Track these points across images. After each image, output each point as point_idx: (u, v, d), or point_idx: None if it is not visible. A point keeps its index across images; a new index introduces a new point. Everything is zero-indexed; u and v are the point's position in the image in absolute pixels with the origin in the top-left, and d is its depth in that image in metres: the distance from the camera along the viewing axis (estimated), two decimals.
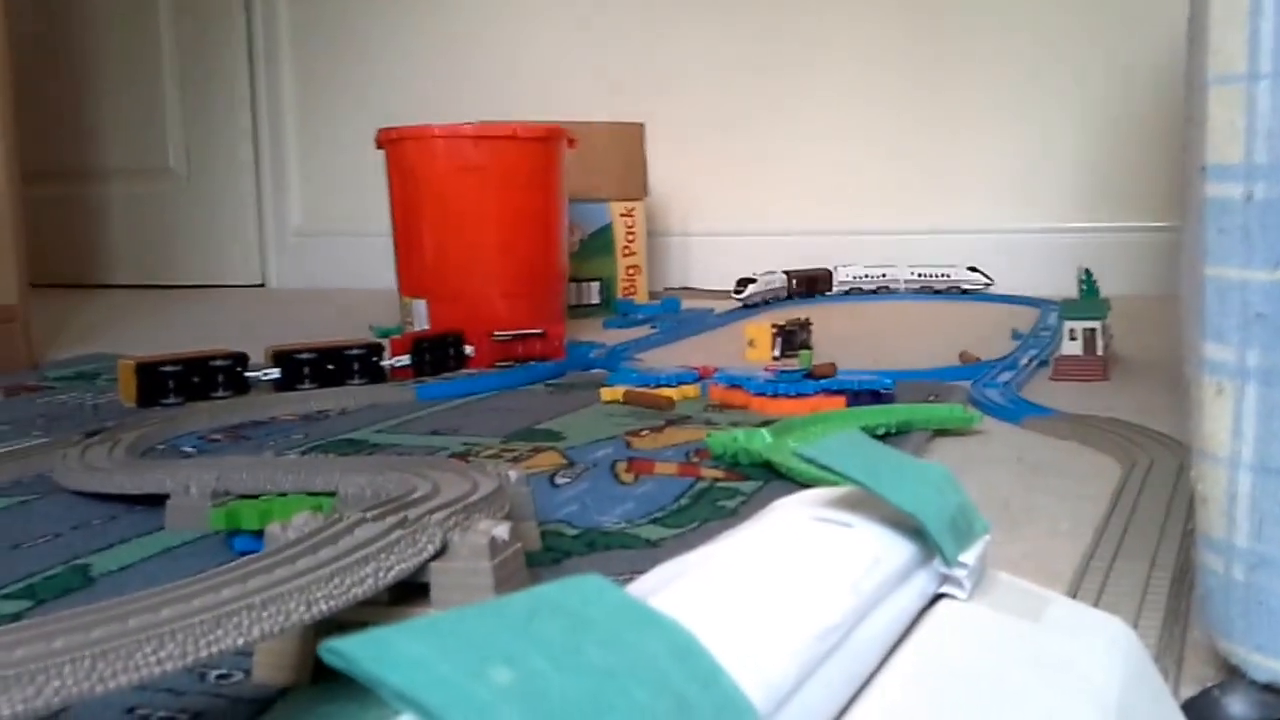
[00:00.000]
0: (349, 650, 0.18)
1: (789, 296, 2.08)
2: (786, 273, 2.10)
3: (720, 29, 2.41)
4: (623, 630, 0.21)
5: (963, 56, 2.26)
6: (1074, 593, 0.59)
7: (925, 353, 1.46)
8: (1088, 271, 1.29)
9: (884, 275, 2.16)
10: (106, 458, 0.89)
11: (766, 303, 2.01)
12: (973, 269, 2.16)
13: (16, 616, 0.60)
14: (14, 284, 1.54)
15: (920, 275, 2.16)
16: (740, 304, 1.98)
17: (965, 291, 2.14)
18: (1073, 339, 1.25)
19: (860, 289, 2.15)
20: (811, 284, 2.12)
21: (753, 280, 2.00)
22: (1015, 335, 1.56)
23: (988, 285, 2.15)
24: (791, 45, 2.37)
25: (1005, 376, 1.22)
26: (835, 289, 2.16)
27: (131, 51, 2.87)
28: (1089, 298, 1.27)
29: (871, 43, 2.32)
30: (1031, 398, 1.11)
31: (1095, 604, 0.57)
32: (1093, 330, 1.24)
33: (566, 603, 0.21)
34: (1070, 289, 1.38)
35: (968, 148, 2.28)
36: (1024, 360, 1.32)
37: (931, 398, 1.12)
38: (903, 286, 2.15)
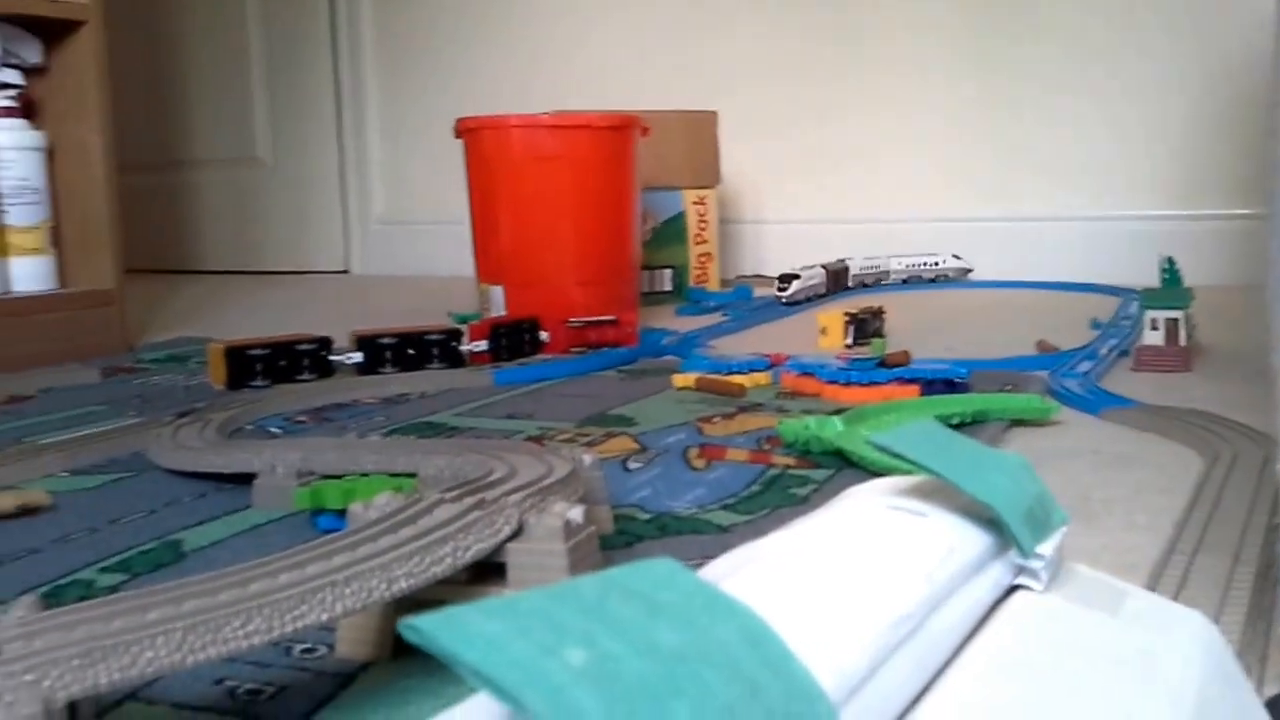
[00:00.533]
0: (427, 627, 0.18)
1: (826, 293, 1.98)
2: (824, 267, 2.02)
3: (794, 15, 2.39)
4: (695, 614, 0.21)
5: (1039, 41, 2.22)
6: (1154, 587, 0.58)
7: (1001, 341, 1.44)
8: (1170, 260, 1.26)
9: (876, 267, 2.11)
10: (197, 437, 0.91)
11: (809, 299, 1.91)
12: (956, 256, 2.15)
13: (113, 589, 0.61)
14: (111, 270, 1.58)
15: (909, 266, 2.13)
16: (783, 302, 1.88)
17: (950, 279, 2.13)
18: (1154, 329, 1.22)
19: (864, 283, 2.09)
20: (836, 278, 2.02)
21: (796, 276, 1.89)
22: (1095, 324, 1.53)
23: (967, 272, 2.16)
24: (865, 31, 2.34)
25: (1084, 366, 1.20)
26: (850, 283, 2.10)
27: (222, 46, 2.92)
28: (1171, 286, 1.24)
29: (946, 27, 2.28)
30: (1111, 388, 1.09)
31: (1175, 598, 0.55)
32: (1175, 320, 1.21)
33: (639, 586, 0.21)
34: (1151, 278, 1.35)
35: (1045, 134, 2.24)
36: (1104, 350, 1.29)
37: (1008, 387, 1.10)
38: (891, 278, 2.11)
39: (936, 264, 2.15)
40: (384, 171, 2.87)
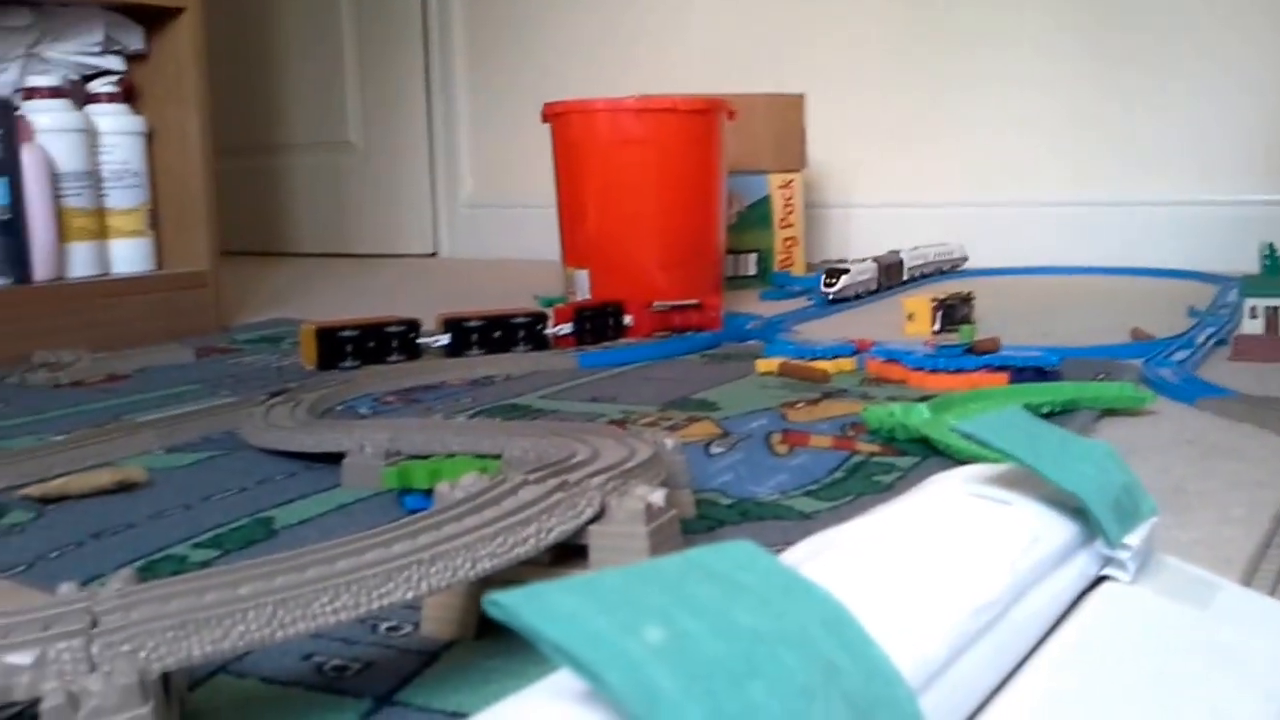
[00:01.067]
0: (510, 603, 0.19)
1: (877, 289, 1.81)
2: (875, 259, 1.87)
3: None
4: (773, 596, 0.21)
5: (1138, 23, 2.16)
6: (1248, 581, 0.56)
7: (1095, 329, 1.41)
8: (1271, 246, 1.23)
9: (925, 260, 2.01)
10: (288, 417, 0.93)
11: (858, 296, 1.75)
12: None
13: (205, 564, 0.63)
14: (206, 252, 1.62)
15: (925, 259, 2.00)
16: (830, 300, 1.70)
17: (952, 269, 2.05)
18: (1254, 317, 1.18)
19: (915, 275, 1.97)
20: (888, 272, 1.86)
21: (845, 270, 1.71)
22: (1192, 312, 1.50)
23: (962, 261, 2.10)
24: (957, 13, 2.30)
25: (1180, 355, 1.17)
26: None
27: (315, 33, 2.97)
28: (1272, 274, 1.21)
29: (1041, 9, 2.24)
30: (1207, 378, 1.06)
31: (1271, 594, 0.54)
32: (1275, 308, 1.18)
33: (719, 567, 0.21)
34: (1251, 264, 1.31)
35: (1142, 117, 2.18)
36: (1200, 339, 1.26)
37: (1100, 376, 1.08)
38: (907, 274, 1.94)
39: (950, 254, 2.06)
40: (473, 155, 2.90)
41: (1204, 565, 0.40)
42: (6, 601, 0.55)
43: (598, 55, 2.66)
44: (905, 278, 1.92)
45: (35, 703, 0.38)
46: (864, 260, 1.80)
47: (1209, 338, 1.27)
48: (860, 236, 2.42)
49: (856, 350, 1.20)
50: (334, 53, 2.96)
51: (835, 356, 1.18)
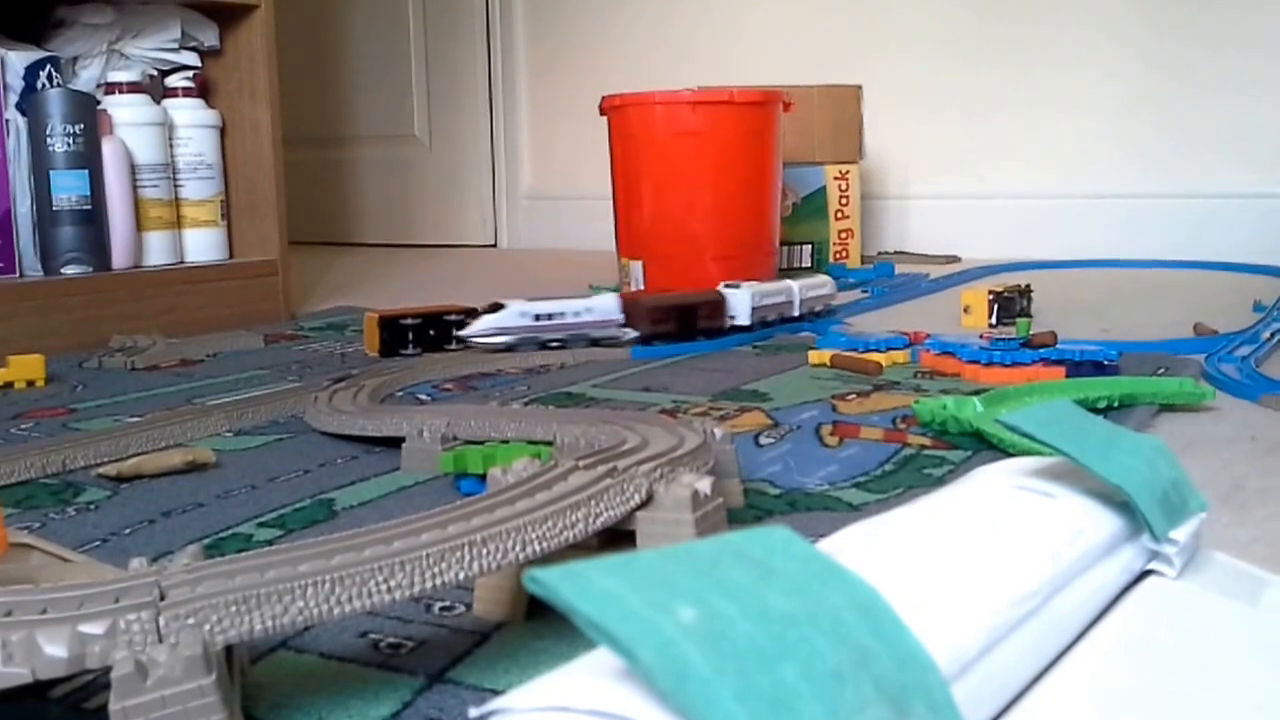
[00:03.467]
0: (550, 580, 0.19)
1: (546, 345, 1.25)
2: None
3: None
4: (807, 581, 0.21)
5: (1203, 13, 2.12)
6: None
7: (1156, 323, 1.38)
8: None
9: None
10: (351, 402, 0.95)
11: (509, 349, 1.22)
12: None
13: (269, 543, 0.64)
14: (275, 241, 1.64)
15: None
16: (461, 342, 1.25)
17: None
18: None
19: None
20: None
21: (494, 308, 1.21)
22: (1257, 307, 1.46)
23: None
24: (1017, 4, 2.27)
25: (1244, 351, 1.15)
26: None
27: (382, 28, 3.00)
28: None
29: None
30: (1272, 374, 1.04)
31: None
32: None
33: (753, 551, 0.21)
34: None
35: (1210, 108, 2.14)
36: (1266, 334, 1.23)
37: (1160, 371, 1.06)
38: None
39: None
40: (533, 148, 2.91)
41: (1262, 563, 0.39)
42: (81, 575, 0.57)
43: (656, 48, 2.65)
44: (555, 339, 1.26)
45: (106, 671, 0.39)
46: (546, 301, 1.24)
47: (1275, 333, 1.24)
48: (918, 228, 2.40)
49: (910, 343, 1.20)
50: (400, 49, 2.98)
51: (888, 349, 1.17)
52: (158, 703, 0.39)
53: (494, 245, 2.97)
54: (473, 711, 0.22)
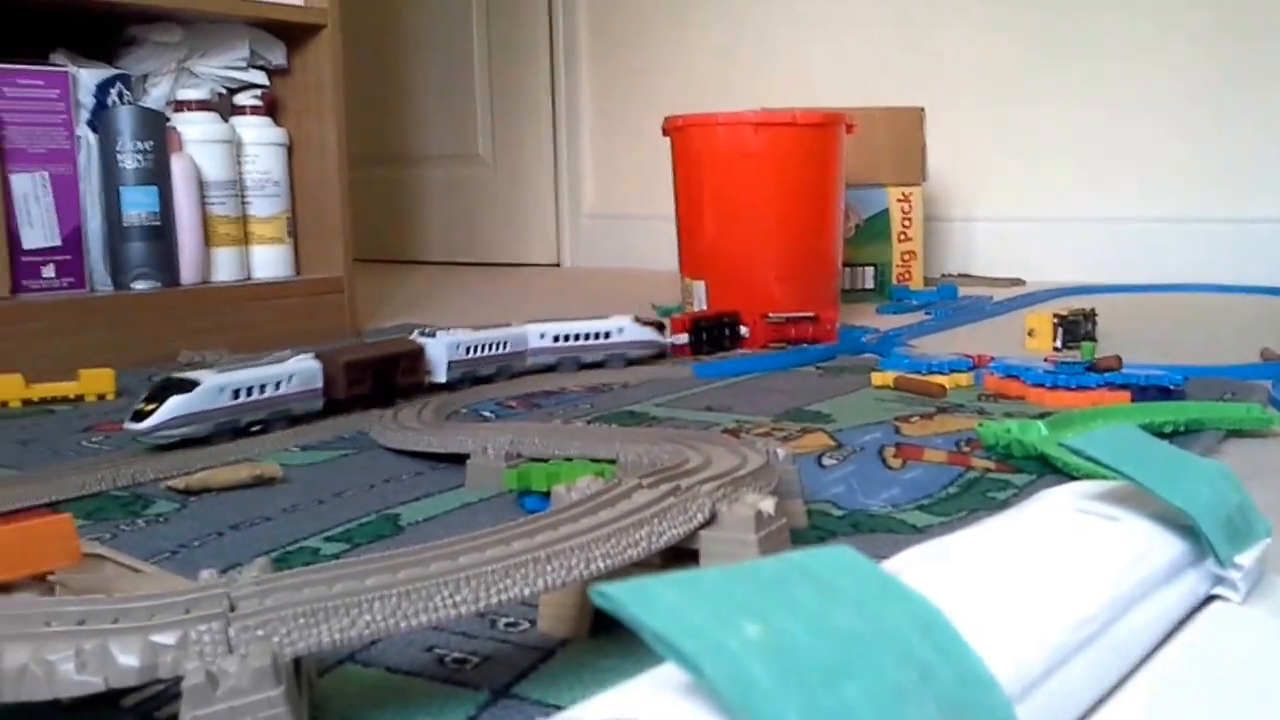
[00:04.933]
0: (616, 594, 0.20)
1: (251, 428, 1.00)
2: None
3: (1006, 7, 2.32)
4: (870, 600, 0.21)
5: (1271, 37, 2.09)
6: None
7: (1223, 348, 1.36)
8: None
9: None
10: (416, 419, 0.96)
11: (199, 441, 0.94)
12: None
13: (335, 557, 0.66)
14: (341, 259, 1.67)
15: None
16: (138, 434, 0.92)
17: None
18: None
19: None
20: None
21: (184, 385, 0.93)
22: None
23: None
24: (1084, 21, 2.25)
25: None
26: None
27: (446, 48, 3.04)
28: None
29: (1172, 17, 2.17)
30: None
31: None
32: None
33: (817, 570, 0.22)
34: None
35: (1275, 133, 2.11)
36: None
37: (1226, 396, 1.05)
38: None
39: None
40: (596, 168, 2.94)
41: None
42: (152, 586, 0.58)
43: (718, 69, 2.67)
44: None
45: (176, 681, 0.40)
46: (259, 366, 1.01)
47: None
48: (982, 250, 2.38)
49: (974, 365, 1.19)
50: (464, 69, 3.02)
51: (952, 371, 1.16)
52: (227, 713, 0.40)
53: (557, 264, 3.00)
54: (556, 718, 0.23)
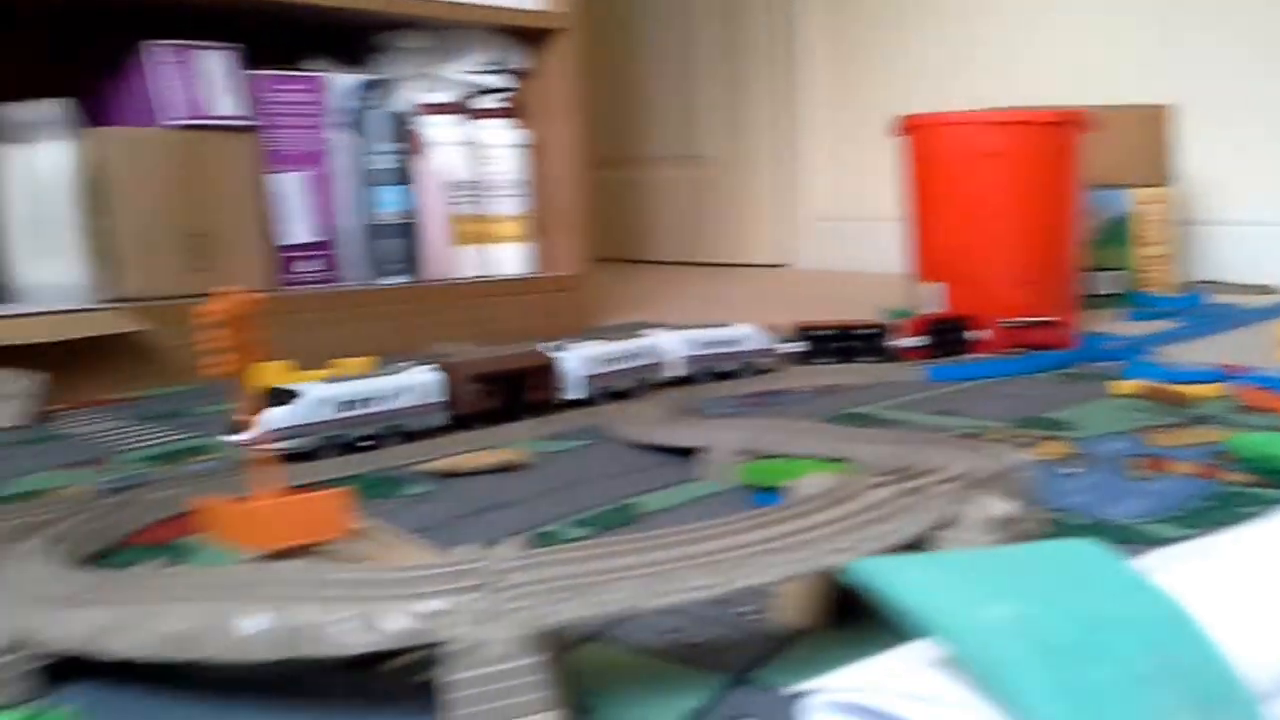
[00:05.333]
0: (868, 570, 0.22)
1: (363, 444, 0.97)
2: None
3: (1265, 4, 2.19)
4: (1115, 590, 0.23)
5: None
6: None
7: None
8: None
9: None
10: (651, 413, 1.00)
11: (307, 455, 0.92)
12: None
13: (578, 540, 0.69)
14: (577, 258, 1.74)
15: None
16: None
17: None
18: None
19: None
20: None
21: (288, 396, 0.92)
22: None
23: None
24: None
25: None
26: None
27: (680, 51, 3.10)
28: None
29: None
30: None
31: None
32: None
33: (1061, 559, 0.23)
34: None
35: None
36: None
37: None
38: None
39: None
40: (826, 169, 2.93)
41: None
42: (417, 557, 0.64)
43: (953, 67, 2.62)
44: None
45: (437, 646, 0.44)
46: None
47: None
48: (1231, 255, 2.25)
49: (1226, 376, 1.14)
50: (695, 71, 3.07)
51: (1202, 381, 1.12)
52: (489, 678, 0.44)
53: (785, 265, 3.01)
54: (791, 690, 0.25)
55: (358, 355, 1.35)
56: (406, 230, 1.60)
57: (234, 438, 0.85)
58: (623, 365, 1.14)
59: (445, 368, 1.00)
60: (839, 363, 1.30)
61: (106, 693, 0.50)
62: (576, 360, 1.09)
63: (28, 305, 1.29)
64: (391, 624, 0.45)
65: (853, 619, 0.54)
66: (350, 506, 0.68)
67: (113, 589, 0.52)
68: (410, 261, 1.60)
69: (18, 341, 1.17)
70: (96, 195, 1.33)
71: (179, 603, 0.49)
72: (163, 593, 0.50)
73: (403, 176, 1.59)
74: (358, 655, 0.46)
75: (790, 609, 0.56)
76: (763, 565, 0.48)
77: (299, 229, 1.53)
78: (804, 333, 1.32)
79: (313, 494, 0.67)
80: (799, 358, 1.30)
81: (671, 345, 1.19)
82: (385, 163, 1.58)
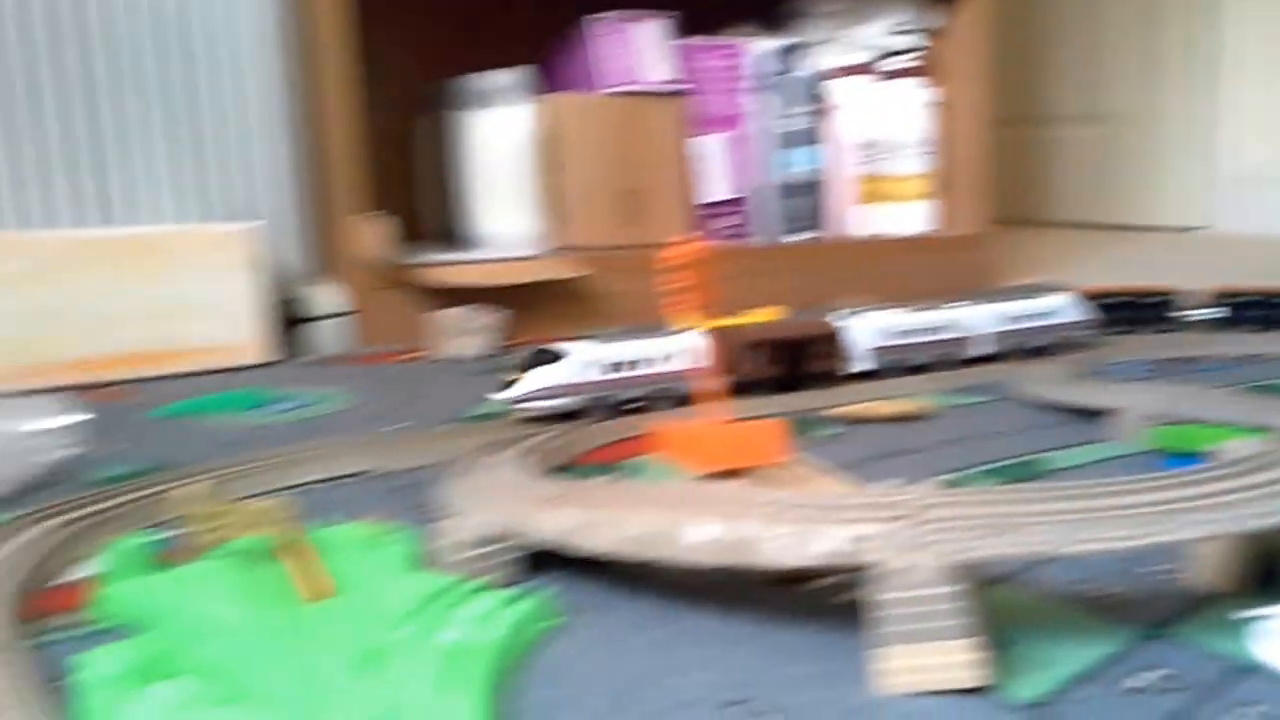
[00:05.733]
0: None
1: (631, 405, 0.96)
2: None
3: None
4: None
5: None
6: None
7: None
8: None
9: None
10: (1054, 375, 0.99)
11: (572, 414, 0.93)
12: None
13: None
14: (980, 217, 1.71)
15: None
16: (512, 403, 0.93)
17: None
18: None
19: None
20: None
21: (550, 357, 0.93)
22: None
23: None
24: None
25: None
26: None
27: (1087, 5, 2.93)
28: None
29: None
30: None
31: None
32: None
33: None
34: None
35: None
36: None
37: None
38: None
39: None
40: (1254, 126, 2.68)
41: None
42: (844, 489, 0.68)
43: None
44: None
45: (866, 569, 0.48)
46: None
47: None
48: None
49: None
50: (1104, 23, 2.89)
51: None
52: (913, 601, 0.47)
53: (1203, 228, 2.79)
54: (1242, 614, 0.26)
55: (765, 307, 1.41)
56: (814, 189, 1.64)
57: (500, 395, 0.90)
58: (919, 339, 1.07)
59: (723, 334, 0.94)
60: (1261, 330, 1.22)
61: (575, 582, 0.58)
62: (865, 331, 1.03)
63: (489, 252, 1.44)
64: (824, 545, 0.49)
65: (1271, 584, 0.52)
66: (786, 437, 0.73)
67: (580, 495, 0.60)
68: (816, 219, 1.64)
69: (481, 284, 1.32)
70: (548, 155, 1.47)
71: (637, 510, 0.55)
72: (624, 501, 0.57)
73: (813, 137, 1.63)
74: (788, 571, 0.51)
75: (1208, 570, 0.55)
76: (1186, 522, 0.48)
77: (718, 187, 1.60)
78: (1224, 299, 1.24)
79: (754, 422, 0.72)
80: (1218, 324, 1.23)
81: (978, 319, 1.10)
82: (797, 124, 1.63)
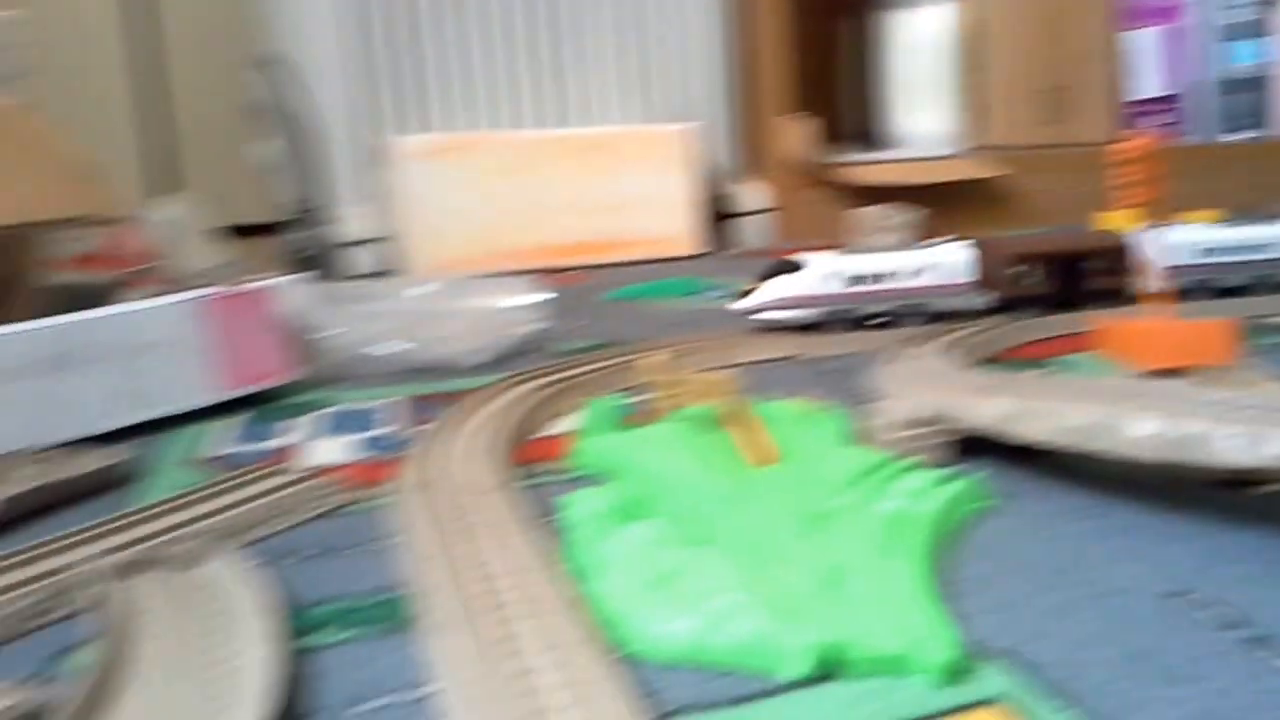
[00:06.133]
0: None
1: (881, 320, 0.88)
2: None
3: None
4: None
5: None
6: None
7: None
8: None
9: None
10: None
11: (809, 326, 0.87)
12: None
13: None
14: None
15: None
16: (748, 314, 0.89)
17: None
18: None
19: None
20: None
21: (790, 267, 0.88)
22: None
23: None
24: None
25: None
26: None
27: None
28: None
29: None
30: None
31: None
32: None
33: None
34: None
35: None
36: None
37: None
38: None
39: None
40: None
41: None
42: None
43: None
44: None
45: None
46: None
47: None
48: None
49: None
50: None
51: None
52: None
53: None
54: None
55: (1201, 209, 1.30)
56: (1259, 84, 1.48)
57: (736, 305, 0.87)
58: (1231, 258, 0.91)
59: (984, 246, 0.87)
60: None
61: (1004, 469, 0.59)
62: (1160, 246, 0.85)
63: (907, 151, 1.43)
64: (1278, 447, 0.47)
65: None
66: (1235, 338, 0.69)
67: (1015, 385, 0.60)
68: (1260, 116, 1.49)
69: (899, 183, 1.31)
70: (971, 53, 1.42)
71: (1077, 402, 0.55)
72: (1061, 392, 0.56)
73: (1260, 29, 1.47)
74: (1234, 472, 0.48)
75: None
76: None
77: (1149, 83, 1.49)
78: None
79: (1202, 322, 0.69)
80: None
81: None
82: (1243, 15, 1.47)
